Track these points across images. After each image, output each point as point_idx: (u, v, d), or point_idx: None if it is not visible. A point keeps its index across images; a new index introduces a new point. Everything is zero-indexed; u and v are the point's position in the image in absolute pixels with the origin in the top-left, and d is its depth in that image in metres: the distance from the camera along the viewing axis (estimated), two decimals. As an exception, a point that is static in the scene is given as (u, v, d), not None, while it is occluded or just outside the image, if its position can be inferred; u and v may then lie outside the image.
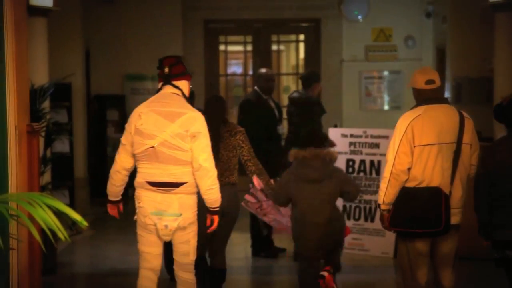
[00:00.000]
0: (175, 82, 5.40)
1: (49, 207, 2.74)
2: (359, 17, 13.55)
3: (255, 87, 8.84)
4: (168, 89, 5.39)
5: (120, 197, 5.50)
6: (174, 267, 5.42)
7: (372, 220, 8.65)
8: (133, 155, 5.32)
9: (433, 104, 5.22)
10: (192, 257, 5.35)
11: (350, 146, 8.88)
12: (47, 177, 8.62)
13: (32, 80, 7.70)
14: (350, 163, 8.86)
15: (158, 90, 5.45)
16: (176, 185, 5.23)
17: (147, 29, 13.08)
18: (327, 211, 6.16)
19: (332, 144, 8.47)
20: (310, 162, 6.16)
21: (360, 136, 8.87)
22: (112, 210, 5.51)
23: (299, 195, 6.18)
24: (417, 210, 5.13)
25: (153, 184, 5.24)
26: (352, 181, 6.58)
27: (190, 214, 5.28)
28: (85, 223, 2.77)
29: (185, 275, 5.38)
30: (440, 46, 12.90)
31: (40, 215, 2.68)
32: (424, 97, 5.26)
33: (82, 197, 11.32)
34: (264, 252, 8.53)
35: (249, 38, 14.15)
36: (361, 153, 8.83)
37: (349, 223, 8.76)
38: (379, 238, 8.58)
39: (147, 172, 5.26)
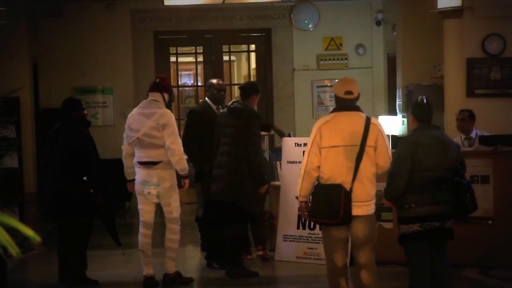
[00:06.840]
0: (159, 92, 7.46)
1: (0, 223, 2.63)
2: (310, 26, 13.59)
3: (206, 97, 8.70)
4: (151, 96, 7.48)
5: (134, 177, 7.54)
6: (165, 220, 7.57)
7: (328, 229, 8.60)
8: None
9: (344, 111, 6.04)
10: (175, 214, 7.52)
11: (303, 155, 8.83)
12: (-4, 193, 8.42)
13: (-22, 94, 7.53)
14: (304, 172, 8.81)
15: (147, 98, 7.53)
16: (155, 163, 7.36)
17: (96, 41, 12.92)
18: None
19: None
20: None
21: (314, 145, 8.83)
22: (131, 188, 7.66)
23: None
24: (323, 203, 5.98)
25: (140, 163, 7.42)
26: None
27: (166, 184, 7.40)
28: (38, 238, 2.67)
29: (171, 226, 7.55)
30: (391, 54, 12.99)
31: (-11, 232, 2.57)
32: (341, 105, 6.09)
33: (32, 213, 11.10)
34: (216, 263, 8.38)
35: (200, 49, 14.08)
36: (315, 162, 8.78)
37: (304, 233, 8.73)
38: (335, 246, 8.51)
39: (137, 155, 7.45)
